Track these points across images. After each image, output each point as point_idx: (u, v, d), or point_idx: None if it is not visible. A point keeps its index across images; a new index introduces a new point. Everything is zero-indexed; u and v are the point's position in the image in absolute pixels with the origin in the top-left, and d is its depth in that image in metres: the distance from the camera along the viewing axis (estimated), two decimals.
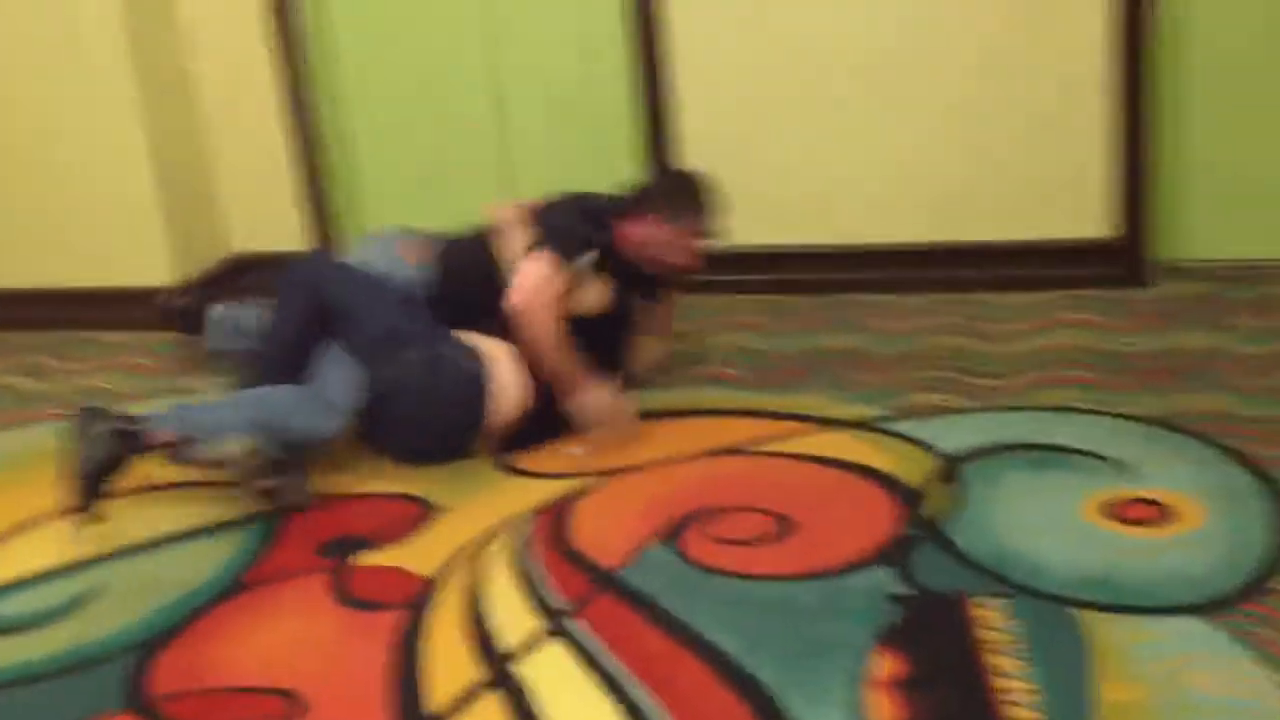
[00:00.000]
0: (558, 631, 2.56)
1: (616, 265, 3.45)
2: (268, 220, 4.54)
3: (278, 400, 3.23)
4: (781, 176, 4.17)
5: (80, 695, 2.53)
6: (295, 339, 3.35)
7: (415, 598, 2.73)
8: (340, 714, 2.39)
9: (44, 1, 4.19)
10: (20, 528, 3.22)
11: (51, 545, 3.11)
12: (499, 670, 2.46)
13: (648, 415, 3.48)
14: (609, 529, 2.93)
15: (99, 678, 2.58)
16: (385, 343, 3.28)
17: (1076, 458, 3.05)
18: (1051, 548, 2.68)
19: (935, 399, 3.41)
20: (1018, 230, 4.04)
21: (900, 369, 3.62)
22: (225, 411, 3.20)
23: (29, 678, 2.61)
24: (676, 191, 3.53)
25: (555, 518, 3.00)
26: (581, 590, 2.70)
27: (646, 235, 3.47)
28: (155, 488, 3.31)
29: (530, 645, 2.53)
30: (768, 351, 3.83)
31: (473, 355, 3.27)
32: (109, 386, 3.98)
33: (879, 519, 2.87)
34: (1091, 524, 2.77)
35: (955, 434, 3.20)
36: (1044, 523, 2.79)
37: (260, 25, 4.36)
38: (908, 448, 3.17)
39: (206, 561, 2.97)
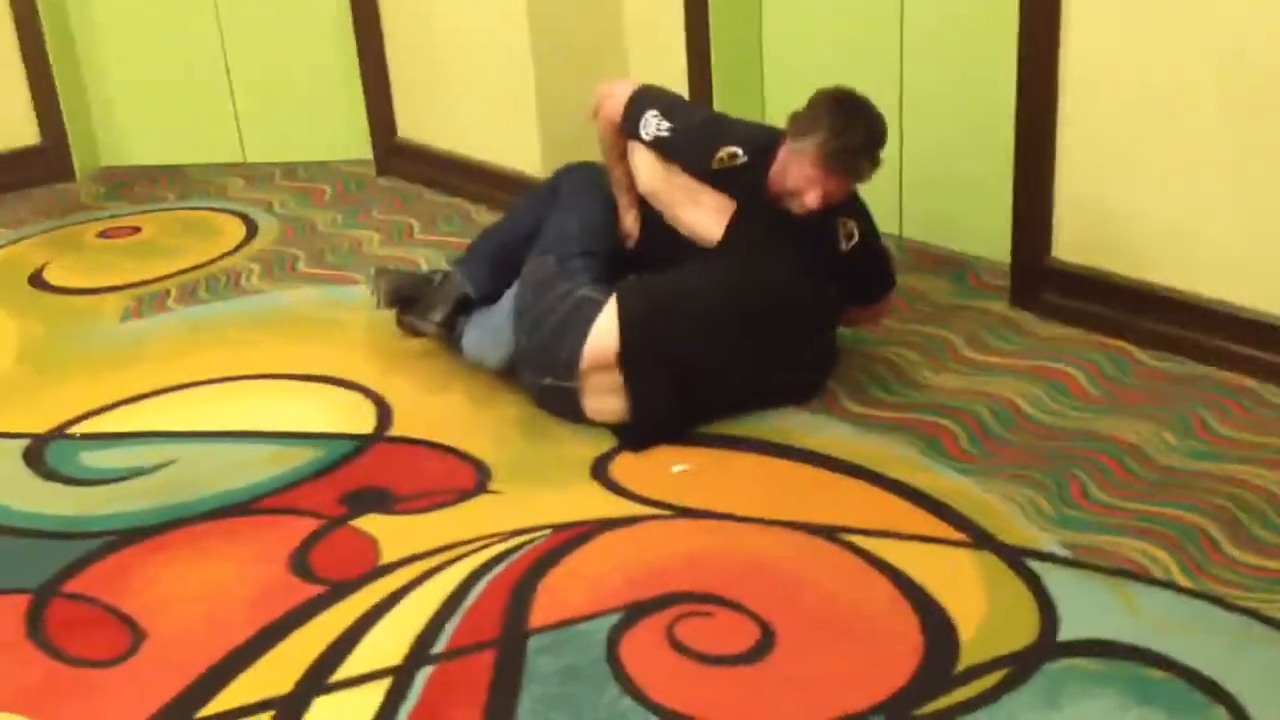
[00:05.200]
0: (399, 680, 2.25)
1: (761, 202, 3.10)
2: None
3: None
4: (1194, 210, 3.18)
5: (26, 562, 2.65)
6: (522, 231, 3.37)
7: (348, 581, 2.53)
8: (160, 671, 2.32)
9: None
10: (206, 383, 3.39)
11: (218, 406, 3.29)
12: (294, 697, 2.22)
13: (811, 455, 2.89)
14: (590, 579, 2.52)
15: (63, 551, 2.68)
16: (545, 243, 3.22)
17: (1201, 699, 2.11)
18: None
19: (1149, 555, 2.49)
20: None
21: (1159, 494, 2.68)
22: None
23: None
24: (813, 107, 3.03)
25: (558, 545, 2.61)
26: (469, 641, 2.33)
27: (781, 159, 3.05)
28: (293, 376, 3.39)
29: (355, 681, 2.26)
30: (1032, 420, 3.00)
31: (596, 294, 3.05)
32: (422, 264, 4.02)
33: (871, 683, 2.20)
34: None
35: (1111, 614, 2.34)
36: None
37: None
38: (1026, 607, 2.36)
39: (262, 470, 2.95)
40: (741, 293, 3.03)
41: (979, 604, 2.39)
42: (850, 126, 2.98)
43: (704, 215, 3.12)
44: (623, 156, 3.27)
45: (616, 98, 3.24)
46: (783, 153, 3.05)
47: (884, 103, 3.77)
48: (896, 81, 3.86)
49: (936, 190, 3.85)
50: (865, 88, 3.62)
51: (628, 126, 3.21)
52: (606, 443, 3.00)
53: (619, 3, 4.33)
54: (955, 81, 3.73)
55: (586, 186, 3.36)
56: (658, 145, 3.16)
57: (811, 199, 2.99)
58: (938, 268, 3.79)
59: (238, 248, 4.30)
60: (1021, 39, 3.35)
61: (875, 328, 3.38)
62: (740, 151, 3.11)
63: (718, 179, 3.13)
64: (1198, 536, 2.54)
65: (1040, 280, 3.47)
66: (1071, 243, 3.41)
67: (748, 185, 3.09)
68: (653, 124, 3.17)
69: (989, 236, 3.67)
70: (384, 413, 3.19)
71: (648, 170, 3.19)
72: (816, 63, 4.06)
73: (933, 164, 3.81)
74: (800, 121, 3.02)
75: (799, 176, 3.00)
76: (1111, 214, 3.32)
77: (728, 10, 4.11)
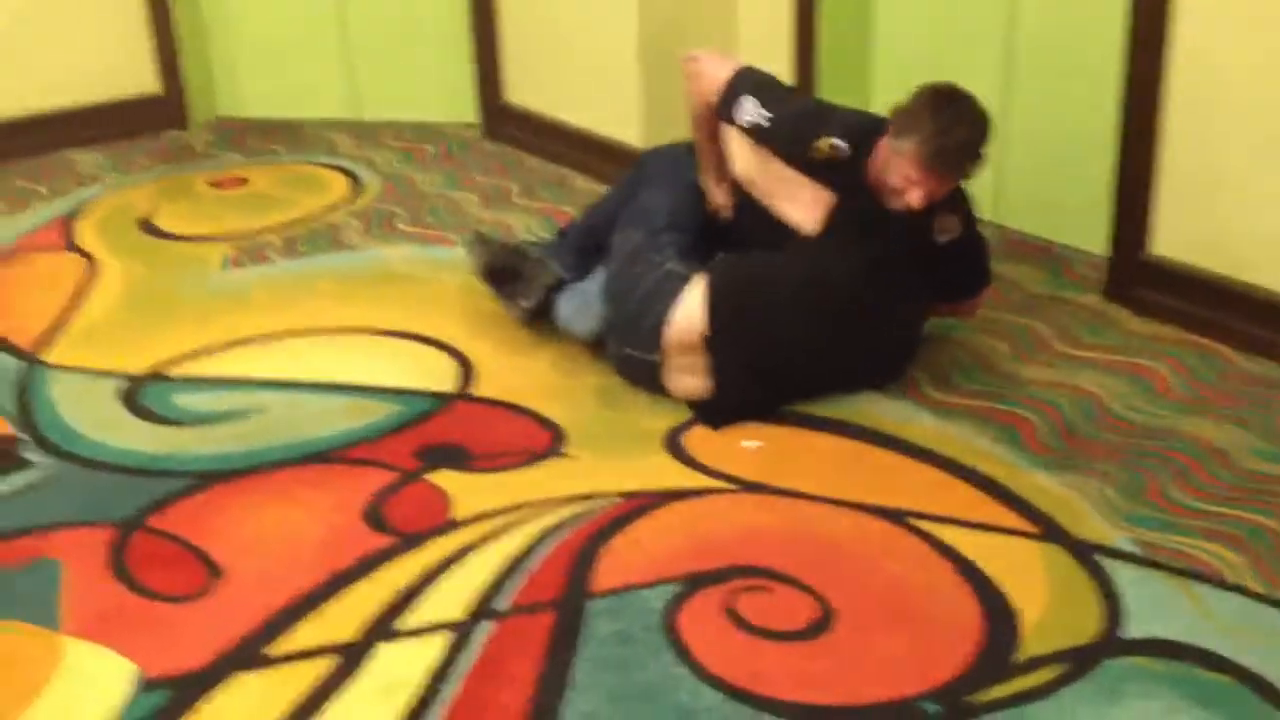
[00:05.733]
0: (460, 634, 2.29)
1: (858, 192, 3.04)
2: None
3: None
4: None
5: (114, 496, 2.74)
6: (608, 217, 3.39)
7: (415, 534, 2.59)
8: (233, 609, 2.39)
9: None
10: (299, 334, 3.46)
11: (309, 355, 3.37)
12: (358, 643, 2.28)
13: (887, 439, 2.88)
14: (653, 548, 2.54)
15: (150, 488, 2.76)
16: (633, 218, 3.24)
17: (1265, 705, 2.08)
18: None
19: (1223, 558, 2.45)
20: None
21: (1239, 498, 2.63)
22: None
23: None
24: (915, 103, 2.93)
25: (625, 513, 2.63)
26: (530, 600, 2.37)
27: (882, 154, 2.97)
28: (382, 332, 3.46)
29: (417, 632, 2.31)
30: (1116, 416, 2.95)
31: (682, 268, 3.06)
32: (518, 228, 4.05)
33: (928, 667, 2.20)
34: None
35: (1178, 615, 2.31)
36: None
37: None
38: (1091, 602, 2.34)
39: (344, 422, 3.01)
40: (829, 285, 3.01)
41: (1043, 596, 2.37)
42: (955, 124, 2.89)
43: (800, 209, 3.07)
44: (714, 136, 3.22)
45: (713, 77, 3.16)
46: (883, 147, 2.97)
47: (990, 89, 3.76)
48: (1003, 69, 3.81)
49: (1037, 179, 3.80)
50: (972, 74, 3.58)
51: (723, 109, 3.13)
52: (682, 415, 3.01)
53: None
54: (1062, 71, 3.68)
55: (673, 166, 3.37)
56: (753, 133, 3.08)
57: (913, 198, 2.90)
58: (1033, 257, 3.73)
59: (341, 203, 4.37)
60: (1130, 32, 3.29)
61: (966, 316, 3.35)
62: (840, 143, 3.01)
63: (815, 169, 3.05)
64: (1274, 543, 2.49)
65: (1136, 275, 3.41)
66: (1170, 239, 3.34)
67: (846, 177, 3.03)
68: (750, 110, 3.07)
69: (1087, 228, 3.61)
70: (467, 372, 3.24)
71: (743, 157, 3.15)
72: (924, 44, 4.02)
73: (1035, 153, 3.75)
74: (902, 117, 2.92)
75: (900, 175, 2.91)
76: (1212, 211, 3.25)
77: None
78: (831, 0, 4.05)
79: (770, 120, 3.05)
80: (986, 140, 2.95)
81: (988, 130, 2.95)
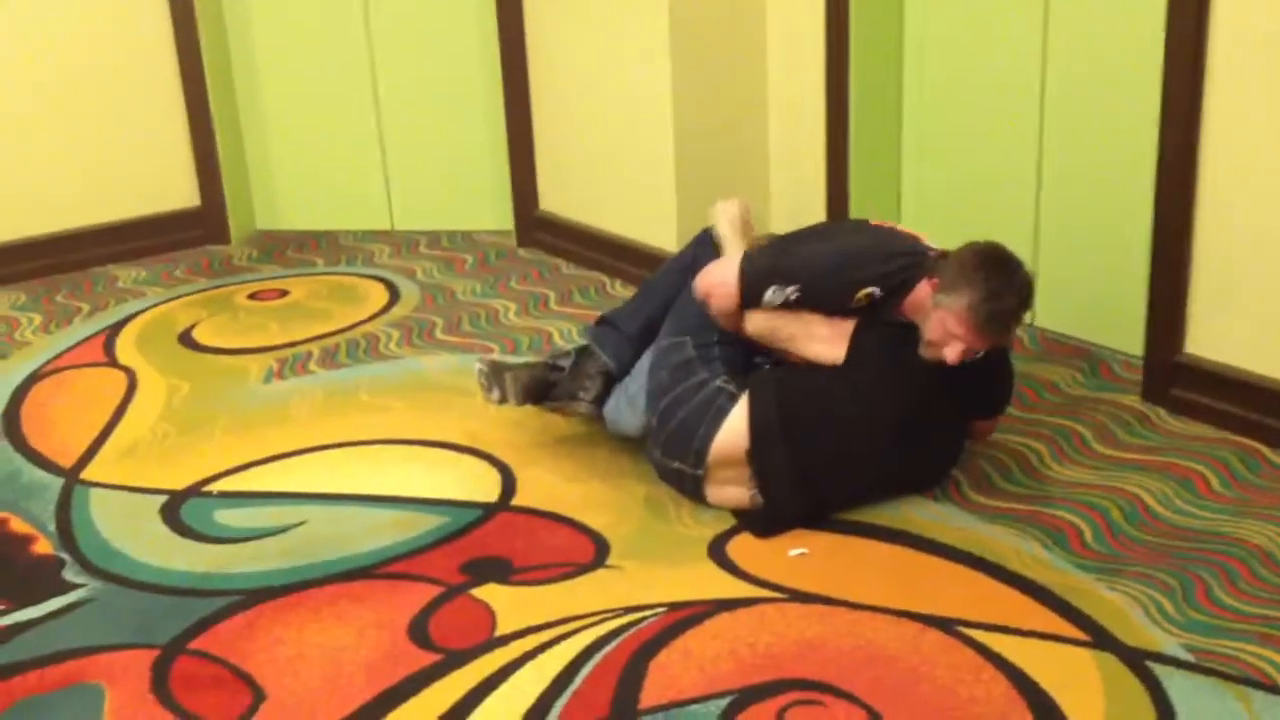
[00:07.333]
0: None
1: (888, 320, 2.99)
2: (802, 204, 4.25)
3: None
4: None
5: (156, 617, 2.70)
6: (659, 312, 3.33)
7: (461, 651, 2.54)
8: None
9: None
10: (341, 446, 3.44)
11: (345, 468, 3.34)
12: None
13: (931, 544, 2.83)
14: (702, 660, 2.49)
15: (192, 608, 2.73)
16: (684, 322, 3.19)
17: None
18: None
19: (1275, 663, 2.38)
20: None
21: None
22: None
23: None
24: (964, 262, 2.87)
25: (672, 624, 2.58)
26: (582, 718, 2.32)
27: (918, 299, 2.92)
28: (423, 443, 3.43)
29: None
30: (1159, 518, 2.90)
31: (731, 386, 3.02)
32: (555, 335, 4.06)
33: None
34: None
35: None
36: None
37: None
38: (1145, 711, 2.29)
39: (387, 535, 2.98)
40: (864, 395, 2.98)
41: (1097, 706, 2.31)
42: (1006, 290, 2.83)
43: (822, 345, 3.04)
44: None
45: (728, 286, 3.07)
46: (923, 291, 2.92)
47: (1022, 194, 3.77)
48: (1035, 173, 3.81)
49: (1074, 281, 3.78)
50: (1003, 177, 3.57)
51: (751, 306, 3.08)
52: (726, 522, 2.98)
53: (763, 90, 4.36)
54: (1093, 174, 3.67)
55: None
56: (790, 308, 3.06)
57: (951, 355, 2.85)
58: (1070, 359, 3.70)
59: (379, 313, 4.38)
60: (1161, 134, 3.28)
61: (977, 439, 3.26)
62: (877, 291, 2.97)
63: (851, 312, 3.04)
64: None
65: (1173, 375, 3.37)
66: (1205, 339, 3.31)
67: (875, 311, 3.01)
68: (777, 295, 3.03)
69: (1124, 329, 3.59)
70: (509, 482, 3.21)
71: (753, 319, 3.10)
72: (958, 155, 4.02)
73: (1071, 255, 3.74)
74: (952, 274, 2.86)
75: (941, 330, 2.86)
76: (1247, 310, 3.22)
77: (868, 103, 4.09)
78: (862, 113, 4.09)
79: (801, 291, 3.01)
80: (1031, 305, 2.93)
81: (1032, 294, 2.92)
